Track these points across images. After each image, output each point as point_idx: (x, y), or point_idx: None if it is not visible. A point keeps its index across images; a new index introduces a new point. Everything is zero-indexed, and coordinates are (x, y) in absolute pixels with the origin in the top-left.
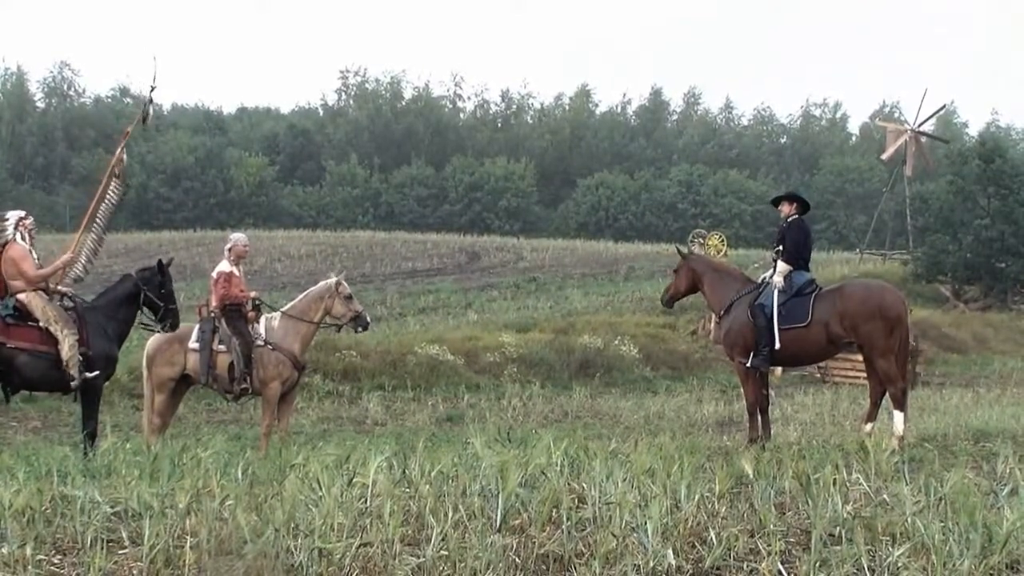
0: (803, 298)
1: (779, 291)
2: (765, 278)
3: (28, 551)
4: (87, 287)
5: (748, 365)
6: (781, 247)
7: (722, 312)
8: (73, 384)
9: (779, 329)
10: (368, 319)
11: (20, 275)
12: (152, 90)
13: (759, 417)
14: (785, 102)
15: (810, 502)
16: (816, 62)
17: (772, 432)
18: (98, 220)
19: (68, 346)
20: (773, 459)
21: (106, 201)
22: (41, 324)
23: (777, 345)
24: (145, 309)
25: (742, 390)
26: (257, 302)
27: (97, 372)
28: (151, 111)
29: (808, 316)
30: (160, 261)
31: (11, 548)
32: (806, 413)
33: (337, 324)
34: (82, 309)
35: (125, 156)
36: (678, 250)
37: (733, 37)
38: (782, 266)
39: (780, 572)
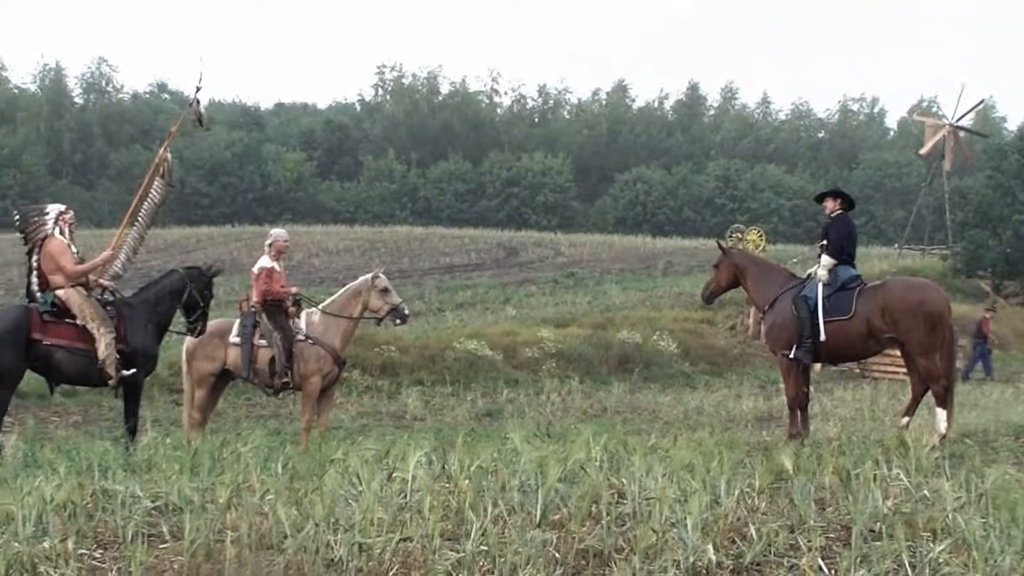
0: (847, 292)
1: (823, 285)
2: (809, 273)
3: (69, 545)
4: (126, 283)
5: (791, 356)
6: (825, 242)
7: (766, 307)
8: (110, 382)
9: (825, 322)
10: (406, 312)
11: (59, 270)
12: (198, 91)
13: (799, 413)
14: (823, 97)
15: (850, 498)
16: (854, 56)
17: (811, 428)
18: (140, 218)
19: (104, 344)
20: (813, 455)
21: (149, 200)
22: (78, 321)
23: (823, 336)
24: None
25: (783, 385)
26: (298, 297)
27: (135, 370)
28: (203, 112)
29: (851, 309)
30: (212, 266)
31: (53, 542)
32: (845, 409)
33: (377, 318)
34: (121, 304)
35: (169, 155)
36: (719, 244)
37: (771, 32)
38: (826, 260)
39: (820, 568)
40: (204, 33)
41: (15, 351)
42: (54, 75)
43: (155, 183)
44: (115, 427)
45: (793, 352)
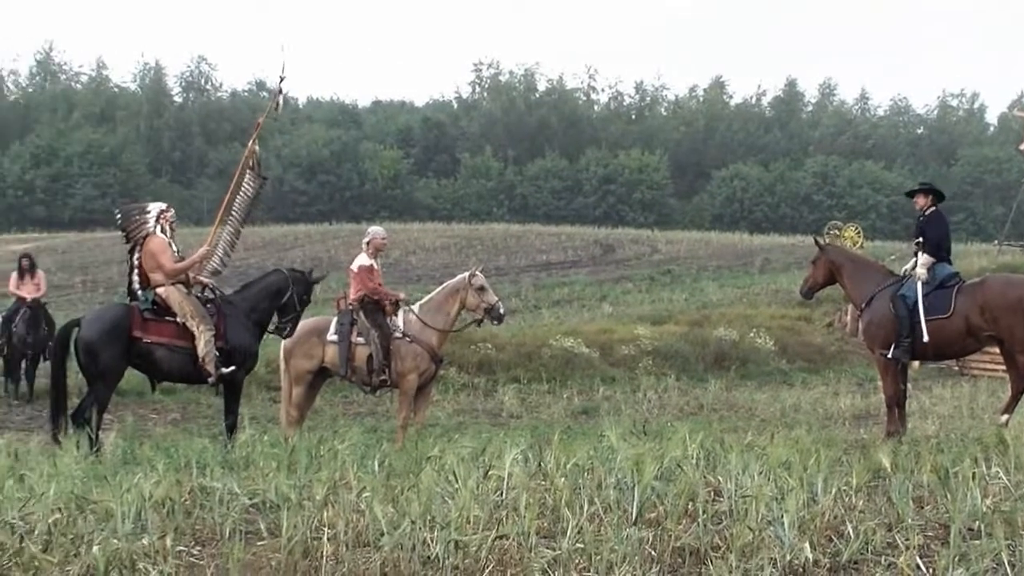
0: (946, 290)
1: (922, 283)
2: (906, 270)
3: (168, 542)
4: (224, 280)
5: (889, 356)
6: (921, 239)
7: (863, 304)
8: (210, 380)
9: (925, 320)
10: (502, 311)
11: (159, 268)
12: (281, 80)
13: (896, 411)
14: (921, 92)
15: (948, 496)
16: (953, 51)
17: (909, 426)
18: (234, 213)
19: (204, 342)
20: (911, 452)
21: (241, 193)
22: (178, 319)
23: (926, 337)
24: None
25: (880, 383)
26: (405, 307)
27: (234, 367)
28: (280, 100)
29: (951, 308)
30: (313, 272)
31: (151, 539)
32: (944, 406)
33: (476, 320)
34: (221, 302)
35: (258, 148)
36: (816, 241)
37: (869, 27)
38: (924, 258)
39: (918, 566)
40: (302, 31)
41: (116, 349)
42: (154, 74)
43: (246, 176)
44: (213, 424)
45: (892, 352)
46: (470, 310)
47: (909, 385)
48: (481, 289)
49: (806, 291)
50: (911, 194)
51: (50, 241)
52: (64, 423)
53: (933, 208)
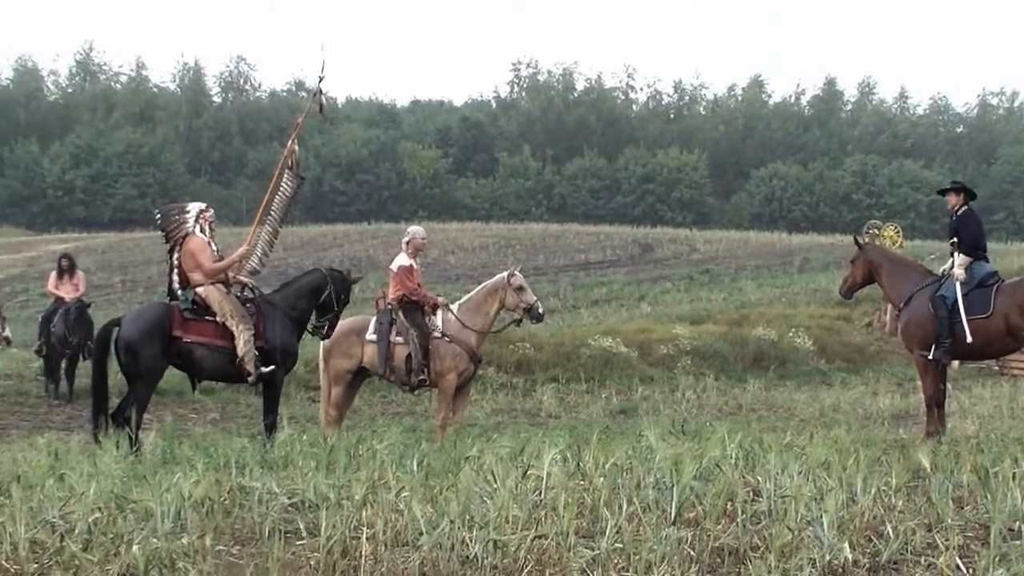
0: (985, 289)
1: (960, 283)
2: (944, 270)
3: (207, 541)
4: (263, 280)
5: (930, 357)
6: (956, 239)
7: (902, 304)
8: (249, 379)
9: (967, 320)
10: (541, 310)
11: (198, 267)
12: (320, 80)
13: (935, 411)
14: (961, 91)
15: (988, 496)
16: (993, 50)
17: (949, 425)
18: (272, 212)
19: (243, 341)
20: (951, 452)
21: (280, 193)
22: (218, 318)
23: (969, 338)
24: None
25: (920, 383)
26: (447, 309)
27: (274, 367)
28: (324, 101)
29: (990, 307)
30: (351, 272)
31: (190, 538)
32: (984, 406)
33: (515, 320)
34: (261, 301)
35: (297, 148)
36: (855, 240)
37: (908, 25)
38: (961, 258)
39: (958, 567)
40: (341, 31)
41: (157, 348)
42: (193, 74)
43: (285, 176)
44: (252, 424)
45: (932, 352)
46: (509, 309)
47: (949, 385)
48: (520, 289)
49: (845, 291)
50: (943, 192)
51: (90, 241)
52: (105, 423)
53: (965, 207)
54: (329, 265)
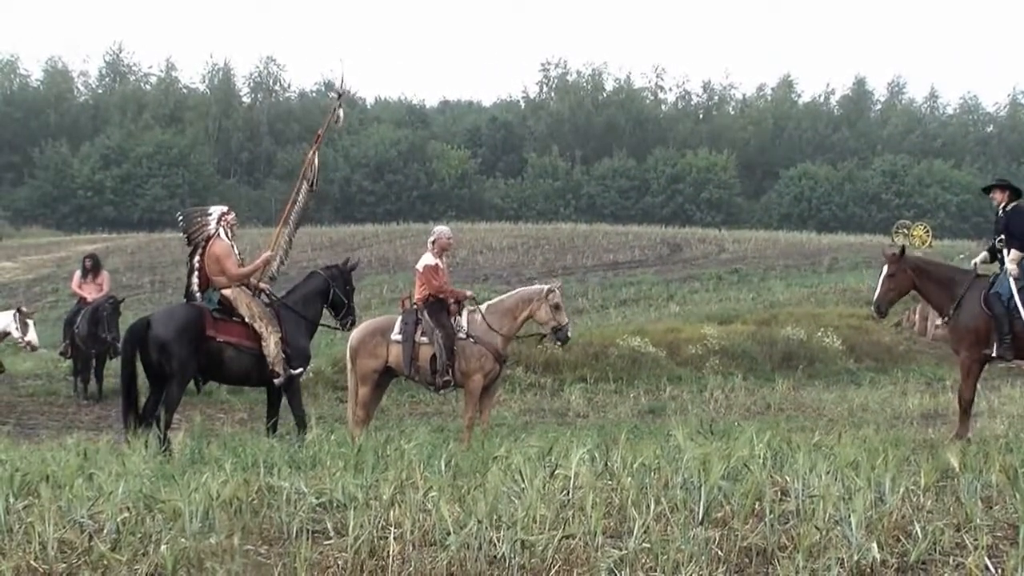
0: None
1: (1014, 279)
2: (975, 263)
3: (235, 541)
4: (289, 280)
5: (993, 355)
6: (1004, 236)
7: (952, 310)
8: (278, 381)
9: None
10: (568, 334)
11: (222, 272)
12: (340, 96)
13: (968, 415)
14: (992, 91)
15: (1018, 496)
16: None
17: (979, 425)
18: (290, 220)
19: (273, 343)
20: (980, 452)
21: (297, 202)
22: (246, 320)
23: None
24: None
25: (961, 384)
26: (471, 305)
27: (301, 368)
28: (340, 114)
29: None
30: (348, 260)
31: (219, 538)
32: (1013, 406)
33: (540, 336)
34: (279, 305)
35: (316, 160)
36: (896, 250)
37: (938, 24)
38: (1015, 254)
39: (987, 567)
40: (370, 31)
41: (191, 348)
42: (222, 75)
43: (302, 186)
44: (281, 424)
45: (995, 351)
46: (539, 323)
47: (979, 386)
48: (556, 307)
49: (886, 306)
50: (987, 190)
51: (119, 241)
52: (135, 422)
53: (1014, 203)
54: (324, 264)
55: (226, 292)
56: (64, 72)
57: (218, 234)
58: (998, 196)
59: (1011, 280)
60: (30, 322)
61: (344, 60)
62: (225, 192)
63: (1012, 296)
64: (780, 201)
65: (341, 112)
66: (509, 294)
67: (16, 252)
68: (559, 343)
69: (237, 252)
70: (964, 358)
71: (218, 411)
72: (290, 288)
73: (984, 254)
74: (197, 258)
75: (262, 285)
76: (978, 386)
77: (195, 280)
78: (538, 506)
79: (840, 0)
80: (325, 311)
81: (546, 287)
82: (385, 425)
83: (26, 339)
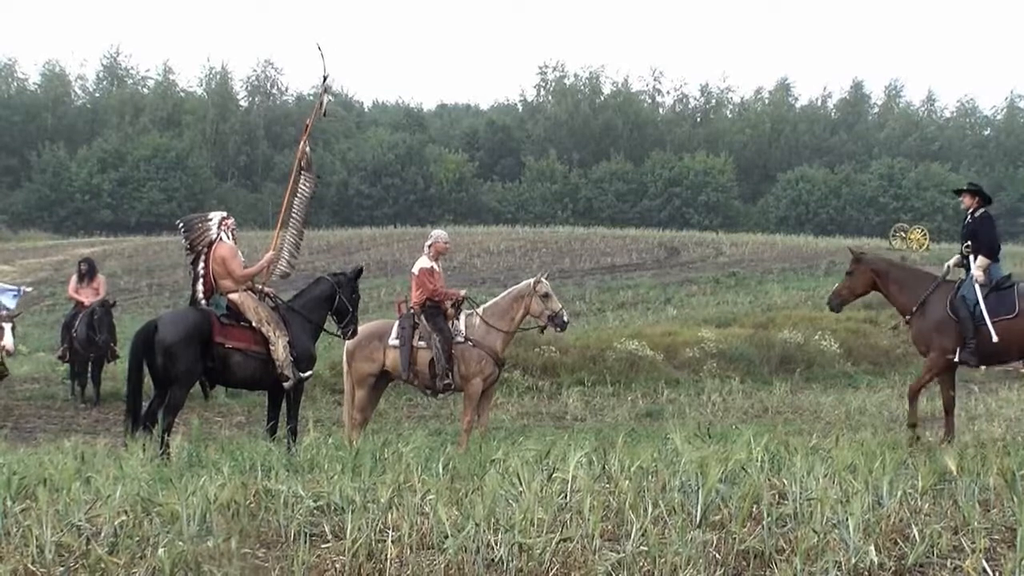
0: (1005, 291)
1: (979, 285)
2: (948, 266)
3: (233, 544)
4: (291, 283)
5: (957, 360)
6: (972, 242)
7: (913, 309)
8: (286, 385)
9: (991, 322)
10: (566, 319)
11: (228, 274)
12: (325, 79)
13: (952, 416)
14: (989, 94)
15: (1015, 499)
16: (1022, 53)
17: (975, 428)
18: (294, 215)
19: (281, 347)
20: (977, 455)
21: (299, 195)
22: (253, 324)
23: (995, 338)
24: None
25: (920, 378)
26: (467, 306)
27: (309, 372)
28: (327, 100)
29: (1016, 307)
30: (356, 268)
31: (216, 541)
32: (1010, 409)
33: (539, 326)
34: (284, 310)
35: (309, 148)
36: (851, 250)
37: (935, 28)
38: (981, 260)
39: (985, 570)
40: (368, 36)
41: (197, 352)
42: (220, 78)
43: (301, 178)
44: (278, 427)
45: (958, 355)
46: (534, 316)
47: (975, 387)
48: (546, 296)
49: (838, 304)
50: (958, 192)
51: (117, 245)
52: (137, 425)
53: (983, 210)
54: (332, 270)
55: (233, 297)
56: (62, 75)
57: (220, 238)
58: (967, 201)
59: (976, 286)
60: (7, 326)
61: (322, 46)
62: (222, 195)
63: (978, 302)
64: (777, 204)
65: (326, 98)
66: (502, 295)
67: (13, 255)
68: (559, 329)
69: (240, 255)
70: (932, 360)
71: (216, 414)
72: (296, 292)
73: (957, 256)
74: (201, 265)
75: (267, 289)
76: (975, 387)
77: (200, 287)
78: (536, 509)
79: (837, 3)
80: (329, 317)
81: (532, 280)
82: (382, 428)
83: (1, 343)
